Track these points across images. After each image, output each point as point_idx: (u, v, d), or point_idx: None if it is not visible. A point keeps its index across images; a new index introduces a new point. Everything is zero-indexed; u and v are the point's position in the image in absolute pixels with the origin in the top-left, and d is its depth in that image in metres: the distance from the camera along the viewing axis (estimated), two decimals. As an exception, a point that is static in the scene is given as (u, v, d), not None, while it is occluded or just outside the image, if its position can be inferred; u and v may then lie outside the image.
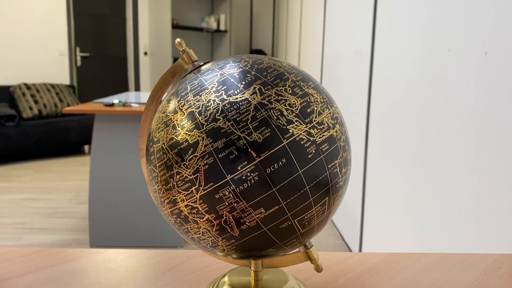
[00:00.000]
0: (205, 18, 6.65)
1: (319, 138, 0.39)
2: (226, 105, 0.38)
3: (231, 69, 0.41)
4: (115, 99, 2.54)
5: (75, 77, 5.43)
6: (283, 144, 0.37)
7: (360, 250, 2.14)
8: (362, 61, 2.13)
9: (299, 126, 0.38)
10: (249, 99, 0.38)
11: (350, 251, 2.32)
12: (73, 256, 0.57)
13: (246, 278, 0.48)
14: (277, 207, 0.38)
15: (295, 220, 0.39)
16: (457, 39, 1.20)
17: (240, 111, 0.38)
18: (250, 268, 0.47)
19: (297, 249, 0.44)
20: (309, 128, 0.39)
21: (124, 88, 5.89)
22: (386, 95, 1.78)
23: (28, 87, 4.66)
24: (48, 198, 3.23)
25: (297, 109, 0.39)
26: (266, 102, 0.38)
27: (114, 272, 0.53)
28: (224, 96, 0.39)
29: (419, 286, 0.51)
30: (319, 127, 0.40)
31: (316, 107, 0.41)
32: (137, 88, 5.92)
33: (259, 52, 6.73)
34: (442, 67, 1.29)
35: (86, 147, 5.01)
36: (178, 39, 0.46)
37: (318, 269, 0.44)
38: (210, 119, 0.38)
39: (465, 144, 1.14)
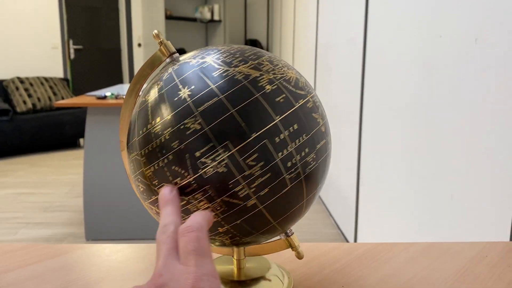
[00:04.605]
0: (198, 8, 6.60)
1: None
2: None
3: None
4: (107, 92, 2.53)
5: (69, 70, 5.40)
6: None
7: (355, 239, 2.15)
8: (355, 49, 2.12)
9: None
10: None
11: (346, 240, 2.33)
12: (58, 252, 0.56)
13: (229, 267, 0.49)
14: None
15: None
16: (448, 26, 1.19)
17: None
18: (233, 257, 0.47)
19: (278, 237, 0.44)
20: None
21: (118, 80, 5.86)
22: (379, 83, 1.77)
23: (21, 81, 4.63)
24: (44, 192, 3.23)
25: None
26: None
27: (98, 267, 0.53)
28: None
29: (405, 276, 0.51)
30: None
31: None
32: (131, 80, 5.89)
33: (254, 42, 6.70)
34: (433, 54, 1.28)
35: (81, 141, 4.99)
36: (155, 31, 0.46)
37: (299, 256, 0.44)
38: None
39: (457, 131, 1.14)
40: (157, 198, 0.40)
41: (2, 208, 2.91)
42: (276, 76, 0.40)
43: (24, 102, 4.51)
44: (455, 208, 1.14)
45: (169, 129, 0.38)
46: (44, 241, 2.41)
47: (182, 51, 6.04)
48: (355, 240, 2.14)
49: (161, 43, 0.45)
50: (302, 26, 3.78)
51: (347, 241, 2.29)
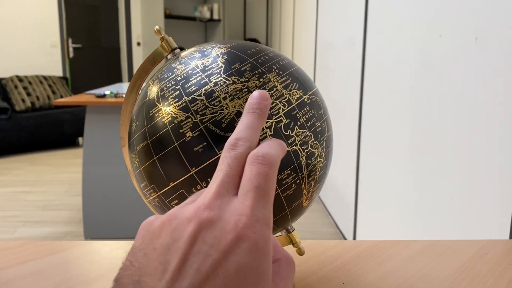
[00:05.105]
0: (198, 8, 6.60)
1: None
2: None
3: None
4: (106, 90, 2.52)
5: (68, 68, 5.39)
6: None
7: (354, 238, 2.15)
8: (354, 48, 2.12)
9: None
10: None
11: (345, 239, 2.33)
12: (57, 249, 0.56)
13: None
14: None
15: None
16: (448, 25, 1.19)
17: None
18: None
19: (279, 233, 0.44)
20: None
21: (117, 79, 5.85)
22: (379, 82, 1.77)
23: (20, 79, 4.62)
24: (43, 190, 3.22)
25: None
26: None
27: (98, 264, 0.53)
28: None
29: (405, 274, 0.51)
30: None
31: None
32: (131, 79, 5.88)
33: (253, 41, 6.69)
34: (433, 53, 1.28)
35: (80, 139, 4.98)
36: (156, 26, 0.45)
37: (300, 253, 0.44)
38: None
39: (456, 131, 1.14)
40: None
41: (1, 207, 2.90)
42: (205, 118, 0.36)
43: (23, 101, 4.51)
44: (454, 206, 1.14)
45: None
46: (42, 240, 2.40)
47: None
48: (354, 239, 2.14)
49: (162, 38, 0.44)
50: (302, 25, 3.78)
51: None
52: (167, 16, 6.23)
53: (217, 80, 0.38)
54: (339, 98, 2.45)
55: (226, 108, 0.37)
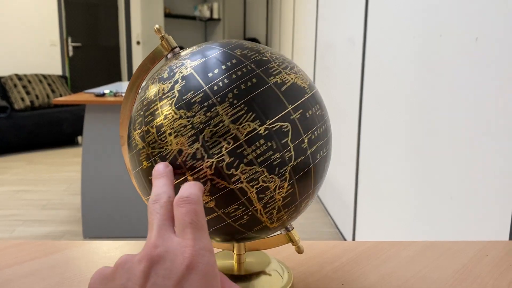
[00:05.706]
0: (198, 7, 6.59)
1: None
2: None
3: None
4: (106, 89, 2.52)
5: (67, 67, 5.38)
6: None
7: (353, 238, 2.15)
8: (354, 48, 2.12)
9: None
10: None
11: (344, 239, 2.33)
12: (55, 249, 0.56)
13: (229, 261, 0.48)
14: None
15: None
16: (448, 25, 1.19)
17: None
18: (233, 251, 0.47)
19: (278, 232, 0.44)
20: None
21: (117, 78, 5.85)
22: (379, 82, 1.77)
23: (19, 78, 4.61)
24: (41, 189, 3.22)
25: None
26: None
27: (96, 264, 0.52)
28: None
29: (405, 275, 0.51)
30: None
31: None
32: (130, 78, 5.88)
33: (253, 40, 6.69)
34: (433, 53, 1.28)
35: (79, 138, 4.98)
36: (156, 25, 0.45)
37: (299, 251, 0.44)
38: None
39: (456, 131, 1.13)
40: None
41: (0, 205, 2.90)
42: (154, 151, 0.38)
43: (22, 99, 4.50)
44: (454, 207, 1.14)
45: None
46: (41, 239, 2.40)
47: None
48: (353, 239, 2.14)
49: (162, 37, 0.44)
50: (302, 25, 3.78)
51: (345, 240, 2.29)
52: (167, 15, 6.22)
53: (167, 112, 0.38)
54: (339, 98, 2.45)
55: (170, 144, 0.37)
